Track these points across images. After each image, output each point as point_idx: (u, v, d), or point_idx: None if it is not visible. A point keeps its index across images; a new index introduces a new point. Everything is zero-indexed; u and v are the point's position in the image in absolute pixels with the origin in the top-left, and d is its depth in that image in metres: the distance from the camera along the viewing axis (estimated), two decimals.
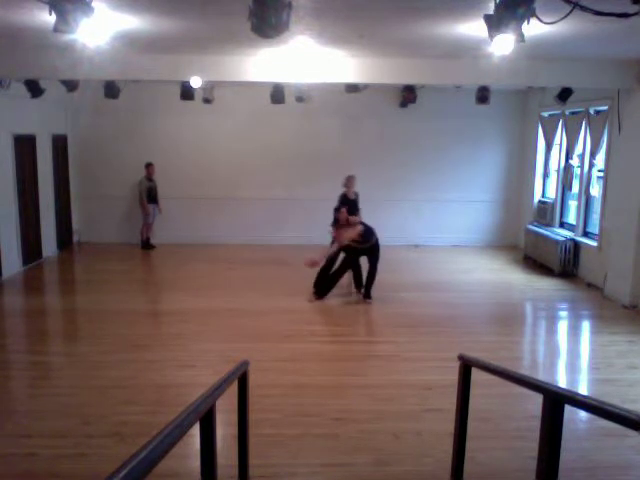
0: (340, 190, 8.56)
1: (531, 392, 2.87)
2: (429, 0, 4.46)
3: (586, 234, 9.56)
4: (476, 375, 3.51)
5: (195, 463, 2.63)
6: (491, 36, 3.84)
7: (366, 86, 9.43)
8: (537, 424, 2.69)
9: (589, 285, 9.00)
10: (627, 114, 8.10)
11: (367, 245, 7.75)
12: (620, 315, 7.60)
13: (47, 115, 10.53)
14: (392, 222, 11.43)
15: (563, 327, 7.54)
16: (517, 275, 8.67)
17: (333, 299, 7.86)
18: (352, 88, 9.40)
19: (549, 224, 10.52)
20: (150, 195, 11.33)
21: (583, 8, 3.70)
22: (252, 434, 3.57)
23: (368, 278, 7.91)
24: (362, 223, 7.94)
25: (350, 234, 7.69)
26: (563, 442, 2.58)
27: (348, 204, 8.24)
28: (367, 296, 7.88)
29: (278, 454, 4.06)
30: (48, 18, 3.91)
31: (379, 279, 7.97)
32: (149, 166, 11.34)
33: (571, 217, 10.25)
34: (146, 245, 11.48)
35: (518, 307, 8.06)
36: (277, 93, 9.51)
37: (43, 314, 7.66)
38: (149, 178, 11.34)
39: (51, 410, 4.69)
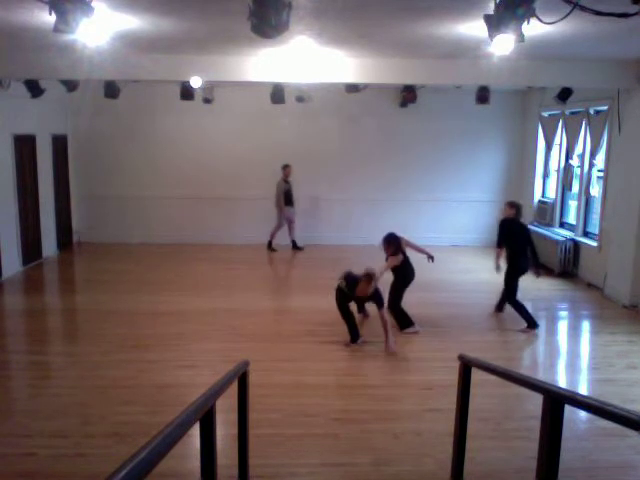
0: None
1: (531, 392, 2.87)
2: (429, 0, 4.46)
3: (586, 234, 9.56)
4: (476, 375, 3.51)
5: (195, 463, 2.63)
6: (491, 36, 3.84)
7: (366, 86, 9.42)
8: (537, 424, 2.69)
9: (589, 285, 9.00)
10: (627, 114, 8.09)
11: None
12: (620, 315, 7.61)
13: (47, 115, 10.53)
14: (392, 222, 11.36)
15: (563, 327, 7.55)
16: None
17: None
18: (352, 88, 9.39)
19: (549, 224, 10.52)
20: (287, 197, 11.09)
21: (583, 8, 3.70)
22: (252, 434, 3.56)
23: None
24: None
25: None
26: (563, 442, 2.58)
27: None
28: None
29: (278, 454, 4.06)
30: (48, 18, 3.91)
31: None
32: (286, 168, 11.05)
33: (571, 217, 10.25)
34: (294, 246, 11.36)
35: None
36: (277, 93, 9.50)
37: (43, 314, 7.66)
38: (286, 180, 11.10)
39: (51, 410, 4.70)
